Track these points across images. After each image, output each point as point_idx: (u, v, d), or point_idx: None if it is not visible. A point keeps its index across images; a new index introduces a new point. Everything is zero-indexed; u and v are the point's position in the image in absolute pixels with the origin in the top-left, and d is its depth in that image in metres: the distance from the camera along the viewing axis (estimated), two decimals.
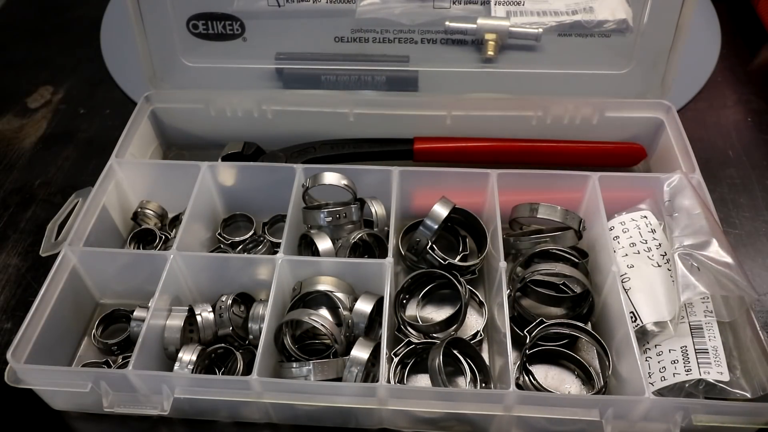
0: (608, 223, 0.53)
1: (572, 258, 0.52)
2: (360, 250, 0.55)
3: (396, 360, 0.49)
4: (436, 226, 0.51)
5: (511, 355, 0.44)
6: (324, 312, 0.50)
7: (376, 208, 0.56)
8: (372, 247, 0.55)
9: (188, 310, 0.51)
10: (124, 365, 0.45)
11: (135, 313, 0.51)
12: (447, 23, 0.61)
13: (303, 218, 0.55)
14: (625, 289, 0.49)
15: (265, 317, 0.47)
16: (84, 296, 0.54)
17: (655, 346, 0.47)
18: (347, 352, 0.47)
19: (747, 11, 0.82)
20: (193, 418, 0.48)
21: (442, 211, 0.52)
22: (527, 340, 0.48)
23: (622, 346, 0.46)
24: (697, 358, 0.45)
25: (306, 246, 0.55)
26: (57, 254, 0.50)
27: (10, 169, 0.68)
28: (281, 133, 0.64)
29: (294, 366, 0.46)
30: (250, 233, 0.58)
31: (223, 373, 0.49)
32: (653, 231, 0.52)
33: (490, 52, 0.61)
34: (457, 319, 0.50)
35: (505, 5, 0.61)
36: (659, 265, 0.50)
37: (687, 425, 0.43)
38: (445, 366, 0.46)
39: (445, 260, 0.52)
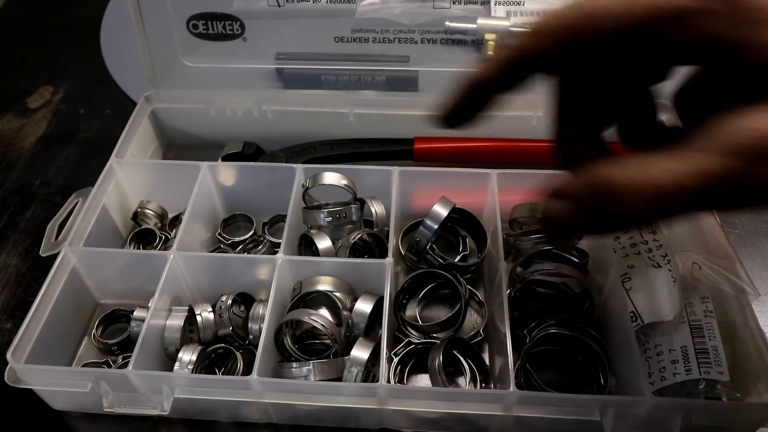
0: None
1: (572, 258, 0.52)
2: (360, 250, 0.55)
3: (396, 360, 0.49)
4: (436, 226, 0.51)
5: (511, 355, 0.44)
6: (324, 312, 0.50)
7: (376, 208, 0.56)
8: (372, 247, 0.55)
9: (188, 310, 0.51)
10: (124, 365, 0.45)
11: (135, 313, 0.51)
12: (447, 23, 0.61)
13: (303, 218, 0.55)
14: (625, 289, 0.49)
15: (265, 317, 0.47)
16: (84, 296, 0.54)
17: (655, 346, 0.47)
18: (347, 352, 0.47)
19: None
20: (193, 418, 0.48)
21: (442, 211, 0.51)
22: (527, 340, 0.48)
23: (622, 346, 0.46)
24: (697, 358, 0.45)
25: (306, 246, 0.55)
26: (57, 254, 0.50)
27: (10, 169, 0.68)
28: (281, 133, 0.64)
29: (294, 366, 0.46)
30: (250, 233, 0.58)
31: (223, 373, 0.49)
32: (654, 232, 0.52)
33: (490, 52, 0.61)
34: (457, 319, 0.50)
35: (505, 5, 0.61)
36: (660, 266, 0.50)
37: (687, 425, 0.43)
38: (445, 366, 0.46)
39: (445, 260, 0.52)
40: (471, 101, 0.33)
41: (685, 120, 0.32)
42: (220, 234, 0.58)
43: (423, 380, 0.50)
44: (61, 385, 0.45)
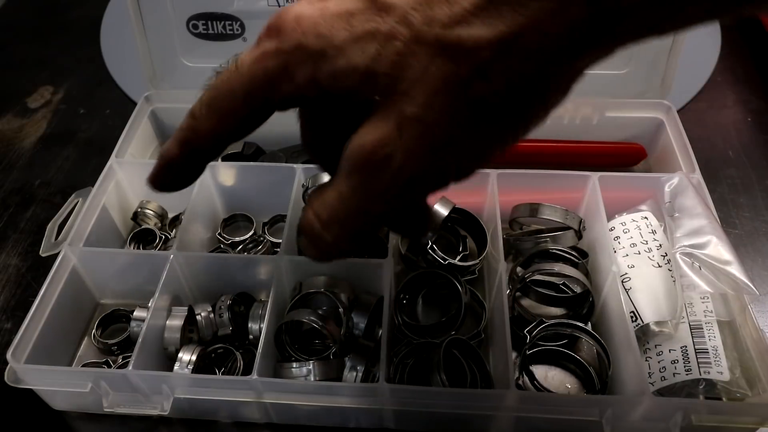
0: (609, 223, 0.53)
1: (572, 258, 0.52)
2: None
3: (396, 360, 0.49)
4: None
5: (511, 355, 0.44)
6: (324, 312, 0.50)
7: None
8: (372, 246, 0.55)
9: (188, 310, 0.51)
10: (124, 365, 0.45)
11: (135, 313, 0.51)
12: None
13: None
14: (625, 289, 0.49)
15: (265, 317, 0.47)
16: (84, 296, 0.54)
17: (655, 346, 0.47)
18: (347, 352, 0.47)
19: None
20: (193, 418, 0.48)
21: (442, 211, 0.51)
22: (527, 340, 0.48)
23: (622, 346, 0.46)
24: (697, 357, 0.45)
25: None
26: (57, 254, 0.50)
27: (10, 169, 0.68)
28: (281, 133, 0.64)
29: (294, 366, 0.46)
30: (250, 233, 0.58)
31: (223, 373, 0.49)
32: (653, 232, 0.52)
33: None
34: (457, 319, 0.50)
35: None
36: (660, 266, 0.50)
37: (687, 425, 0.43)
38: (445, 366, 0.46)
39: (445, 260, 0.52)
40: (173, 176, 0.34)
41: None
42: (220, 234, 0.58)
43: (423, 380, 0.49)
44: (61, 385, 0.45)
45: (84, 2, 0.90)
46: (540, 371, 0.50)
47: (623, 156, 0.63)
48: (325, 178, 0.53)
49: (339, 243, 0.31)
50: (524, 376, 0.48)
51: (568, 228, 0.53)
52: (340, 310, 0.49)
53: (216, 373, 0.49)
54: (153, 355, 0.48)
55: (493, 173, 0.54)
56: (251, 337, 0.49)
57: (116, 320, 0.54)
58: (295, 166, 0.56)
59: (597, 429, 0.43)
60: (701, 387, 0.45)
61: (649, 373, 0.46)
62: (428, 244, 0.52)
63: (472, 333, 0.51)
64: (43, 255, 0.52)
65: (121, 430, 0.48)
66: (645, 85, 0.62)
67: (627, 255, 0.51)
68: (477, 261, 0.54)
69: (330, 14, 0.27)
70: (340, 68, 0.27)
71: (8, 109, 0.75)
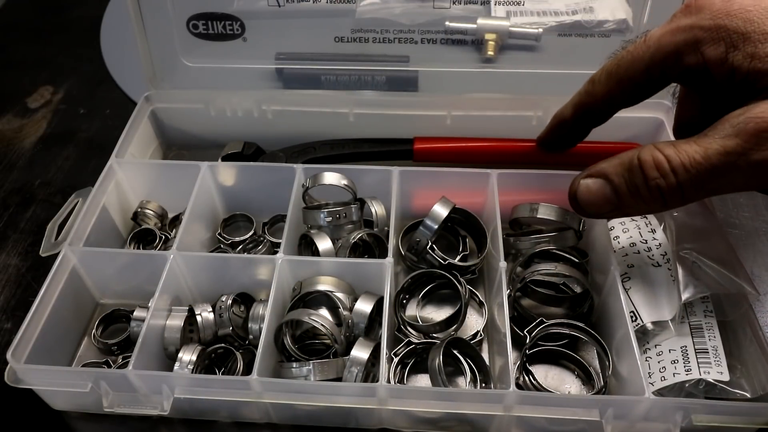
0: (608, 223, 0.53)
1: (572, 258, 0.52)
2: (360, 250, 0.55)
3: (396, 360, 0.49)
4: (436, 226, 0.51)
5: (511, 355, 0.44)
6: (324, 312, 0.50)
7: (376, 208, 0.56)
8: (372, 247, 0.55)
9: (188, 310, 0.51)
10: (124, 365, 0.45)
11: (135, 313, 0.51)
12: (447, 23, 0.61)
13: (303, 218, 0.55)
14: (625, 289, 0.49)
15: (265, 317, 0.47)
16: (84, 296, 0.54)
17: (655, 346, 0.47)
18: (347, 352, 0.47)
19: None
20: (193, 418, 0.48)
21: (442, 211, 0.52)
22: (527, 340, 0.48)
23: (622, 346, 0.46)
24: (697, 358, 0.46)
25: (306, 246, 0.55)
26: (57, 254, 0.50)
27: (10, 169, 0.68)
28: (281, 133, 0.64)
29: (294, 366, 0.46)
30: (250, 233, 0.58)
31: (223, 373, 0.49)
32: (653, 231, 0.52)
33: (490, 52, 0.61)
34: (457, 319, 0.50)
35: (505, 5, 0.61)
36: (659, 265, 0.50)
37: (687, 425, 0.43)
38: (445, 366, 0.46)
39: (445, 260, 0.52)
40: (562, 135, 0.48)
41: None
42: (220, 234, 0.58)
43: (423, 380, 0.50)
44: (61, 385, 0.45)
45: (84, 2, 0.90)
46: (540, 371, 0.50)
47: None
48: (326, 178, 0.53)
49: (675, 192, 0.35)
50: (524, 376, 0.48)
51: (568, 228, 0.53)
52: (340, 310, 0.49)
53: (216, 373, 0.49)
54: (153, 355, 0.48)
55: (493, 173, 0.54)
56: (251, 337, 0.50)
57: (116, 320, 0.54)
58: (295, 166, 0.56)
59: (597, 429, 0.43)
60: (701, 387, 0.45)
61: (649, 373, 0.46)
62: (428, 244, 0.52)
63: (472, 333, 0.51)
64: (43, 255, 0.52)
65: (121, 430, 0.48)
66: None
67: (626, 255, 0.51)
68: (477, 261, 0.54)
69: (764, 7, 0.33)
70: (763, 52, 0.32)
71: (8, 109, 0.75)
